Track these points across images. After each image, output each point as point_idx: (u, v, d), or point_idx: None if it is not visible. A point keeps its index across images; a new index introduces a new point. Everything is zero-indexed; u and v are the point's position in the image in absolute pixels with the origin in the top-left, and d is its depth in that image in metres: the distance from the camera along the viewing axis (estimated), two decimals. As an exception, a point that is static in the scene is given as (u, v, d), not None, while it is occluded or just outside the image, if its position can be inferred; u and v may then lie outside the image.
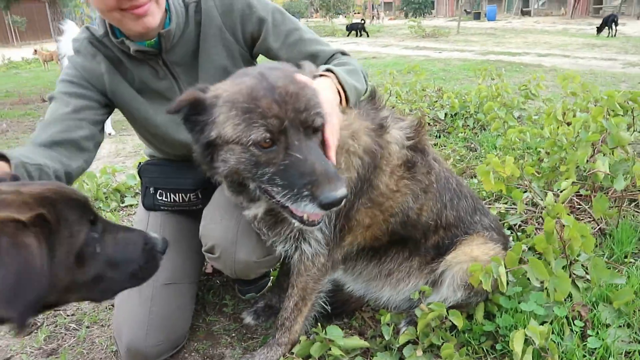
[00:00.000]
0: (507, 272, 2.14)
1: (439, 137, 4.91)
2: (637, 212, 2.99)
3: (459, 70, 10.08)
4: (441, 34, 20.04)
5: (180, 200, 2.25)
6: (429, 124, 5.19)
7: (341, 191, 1.34)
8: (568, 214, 3.02)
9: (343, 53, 2.07)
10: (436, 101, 5.62)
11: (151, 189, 2.29)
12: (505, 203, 3.26)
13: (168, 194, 2.24)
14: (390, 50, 16.08)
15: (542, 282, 2.00)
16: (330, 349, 1.92)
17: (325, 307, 2.09)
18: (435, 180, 1.98)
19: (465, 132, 4.84)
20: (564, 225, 2.02)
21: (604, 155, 2.58)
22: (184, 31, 1.95)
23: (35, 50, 17.45)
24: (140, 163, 2.43)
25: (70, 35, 6.41)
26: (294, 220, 1.53)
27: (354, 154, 1.76)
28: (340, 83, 1.76)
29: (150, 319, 2.02)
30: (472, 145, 4.61)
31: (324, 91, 1.62)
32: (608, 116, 2.75)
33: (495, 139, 4.49)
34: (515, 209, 3.07)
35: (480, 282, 1.87)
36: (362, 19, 24.14)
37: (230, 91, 1.46)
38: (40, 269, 1.02)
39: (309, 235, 1.83)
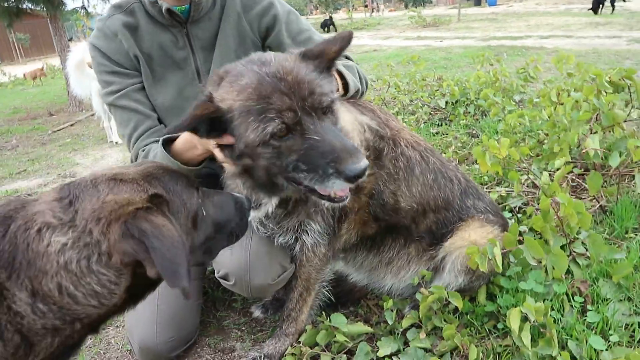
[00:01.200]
0: (506, 253, 2.20)
1: (441, 125, 4.93)
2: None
3: (461, 58, 10.05)
4: (442, 22, 19.94)
5: None
6: (430, 113, 5.22)
7: (363, 162, 1.40)
8: (570, 194, 3.06)
9: (347, 57, 2.20)
10: (437, 90, 5.63)
11: None
12: (507, 186, 3.28)
13: None
14: (391, 42, 16.04)
15: (539, 261, 2.04)
16: (335, 336, 1.98)
17: (330, 296, 2.15)
18: (405, 167, 2.02)
19: (466, 119, 4.86)
20: (561, 204, 2.05)
21: (595, 133, 2.59)
22: (210, 10, 2.13)
23: (24, 75, 18.33)
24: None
25: (76, 55, 6.62)
26: (322, 201, 1.60)
27: None
28: (340, 74, 1.94)
29: (159, 317, 2.11)
30: (474, 132, 4.63)
31: None
32: (600, 95, 2.75)
33: (497, 124, 4.50)
34: (524, 191, 3.11)
35: (479, 264, 1.91)
36: (330, 16, 25.47)
37: (240, 99, 1.46)
38: (180, 239, 1.12)
39: (308, 227, 1.89)
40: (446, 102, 5.24)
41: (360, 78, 2.12)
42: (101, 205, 1.13)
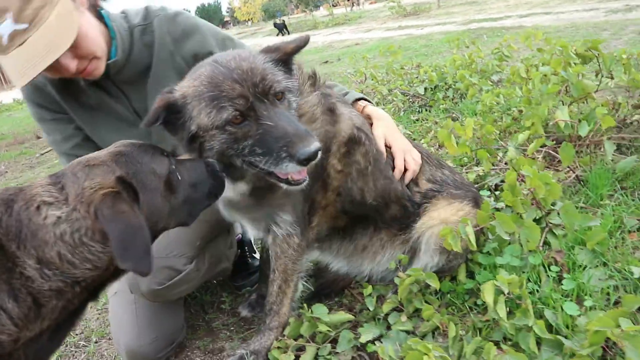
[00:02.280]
0: (482, 230, 2.23)
1: (420, 111, 4.96)
2: (614, 154, 3.04)
3: (441, 44, 10.06)
4: (422, 10, 19.98)
5: None
6: (409, 100, 5.24)
7: (314, 145, 1.47)
8: (547, 167, 3.09)
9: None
10: (416, 77, 5.66)
11: None
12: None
13: None
14: (372, 34, 16.07)
15: (512, 234, 2.07)
16: (318, 327, 2.01)
17: (310, 287, 2.18)
18: (374, 160, 2.06)
19: (445, 103, 4.89)
20: (527, 177, 2.08)
21: (565, 105, 2.62)
22: (130, 54, 2.01)
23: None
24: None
25: None
26: (281, 184, 1.66)
27: None
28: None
29: (138, 320, 2.16)
30: (454, 115, 4.66)
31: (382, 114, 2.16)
32: (568, 67, 2.78)
33: (475, 106, 4.53)
34: (495, 169, 3.14)
35: (452, 245, 1.94)
36: (282, 19, 25.96)
37: (194, 86, 1.57)
38: (138, 224, 1.29)
39: (277, 218, 1.93)
40: (425, 89, 5.27)
41: None
42: (82, 190, 1.33)
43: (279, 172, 1.57)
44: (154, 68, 2.05)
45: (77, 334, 2.69)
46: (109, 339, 2.60)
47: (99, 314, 2.84)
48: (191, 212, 1.62)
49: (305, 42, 1.73)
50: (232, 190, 1.87)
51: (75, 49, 1.70)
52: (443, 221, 2.05)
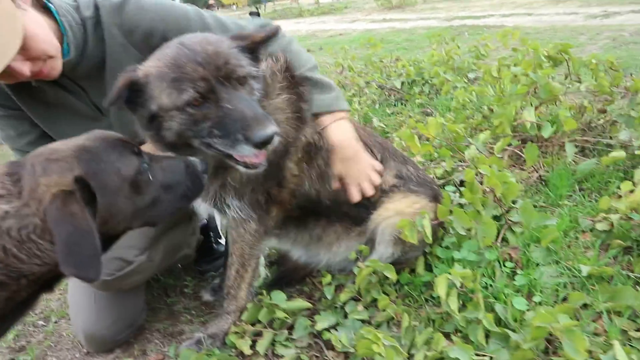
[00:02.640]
0: (442, 224, 2.28)
1: (396, 105, 5.00)
2: (577, 155, 3.12)
3: (423, 39, 10.09)
4: (408, 4, 19.94)
5: None
6: (386, 93, 5.28)
7: (270, 129, 1.49)
8: (513, 165, 3.16)
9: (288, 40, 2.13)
10: (394, 71, 5.69)
11: None
12: (456, 161, 3.36)
13: None
14: (357, 25, 16.02)
15: (470, 230, 2.12)
16: (276, 313, 2.03)
17: (267, 273, 2.21)
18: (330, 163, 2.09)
19: (421, 98, 4.93)
20: (485, 175, 2.13)
21: (532, 106, 2.68)
22: (84, 49, 1.89)
23: None
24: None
25: None
26: (238, 167, 1.68)
27: None
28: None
29: (97, 304, 2.15)
30: (428, 110, 4.71)
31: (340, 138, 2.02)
32: (538, 69, 2.84)
33: (449, 102, 4.58)
34: (462, 165, 3.19)
35: (409, 236, 1.98)
36: (256, 7, 26.05)
37: (157, 66, 1.58)
38: (87, 228, 1.22)
39: (227, 200, 1.94)
40: (402, 83, 5.30)
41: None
42: (36, 186, 1.26)
43: (236, 154, 1.59)
44: (109, 62, 1.95)
45: (36, 314, 2.67)
46: (69, 319, 2.58)
47: (60, 294, 2.82)
48: (160, 214, 1.55)
49: (275, 32, 1.74)
50: None
51: (25, 52, 1.59)
52: (398, 213, 2.09)
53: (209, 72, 1.52)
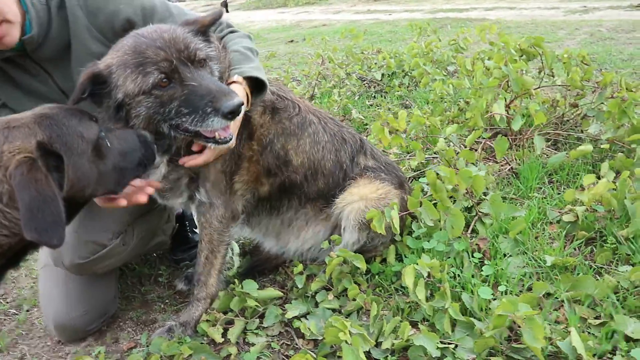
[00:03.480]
0: (412, 215, 2.31)
1: (375, 97, 5.01)
2: (549, 149, 3.19)
3: (406, 31, 10.10)
4: (393, -5, 19.96)
5: None
6: (366, 85, 5.29)
7: (237, 99, 1.57)
8: (486, 158, 3.21)
9: (227, 26, 2.17)
10: (375, 63, 5.70)
11: None
12: (429, 154, 3.41)
13: None
14: (341, 16, 15.96)
15: (438, 221, 2.16)
16: (247, 302, 2.05)
17: (239, 262, 2.23)
18: (299, 124, 2.15)
19: (401, 90, 4.96)
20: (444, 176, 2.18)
21: (502, 99, 2.72)
22: (49, 30, 1.88)
23: None
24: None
25: None
26: (209, 144, 1.73)
27: None
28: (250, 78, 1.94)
29: (68, 294, 2.14)
30: (407, 103, 4.74)
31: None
32: (510, 62, 2.88)
33: (428, 94, 4.62)
34: (437, 157, 3.23)
35: (376, 227, 2.02)
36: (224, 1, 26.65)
37: (118, 56, 1.62)
38: (50, 193, 1.24)
39: (200, 182, 1.97)
40: (382, 75, 5.31)
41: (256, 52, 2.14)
42: (0, 154, 1.27)
43: (206, 130, 1.64)
44: (74, 44, 1.94)
45: (8, 302, 2.65)
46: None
47: (33, 283, 2.80)
48: (120, 181, 1.61)
49: (219, 15, 1.85)
50: (161, 166, 1.90)
51: None
52: (362, 197, 2.14)
53: (170, 54, 1.58)
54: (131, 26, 1.92)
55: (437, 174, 2.21)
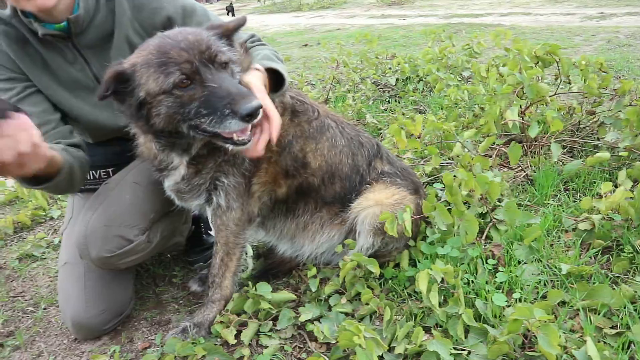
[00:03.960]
0: (427, 220, 2.31)
1: (390, 102, 5.02)
2: (564, 156, 3.17)
3: (420, 36, 10.09)
4: (407, 0, 19.95)
5: (91, 178, 2.35)
6: (381, 90, 5.30)
7: (256, 102, 1.58)
8: (501, 164, 3.20)
9: (253, 36, 2.23)
10: (389, 68, 5.70)
11: None
12: (445, 159, 3.40)
13: None
14: (355, 21, 15.99)
15: (452, 226, 2.16)
16: (261, 304, 2.07)
17: (253, 265, 2.25)
18: (317, 127, 2.16)
19: (415, 96, 4.96)
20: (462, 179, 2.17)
21: (516, 105, 2.71)
22: (94, 16, 2.02)
23: None
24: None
25: None
26: (227, 145, 1.74)
27: None
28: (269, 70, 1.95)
29: (87, 293, 2.17)
30: (422, 108, 4.74)
31: (255, 81, 1.83)
32: (525, 69, 2.87)
33: (442, 100, 4.62)
34: (452, 163, 3.23)
35: (389, 229, 2.02)
36: (231, 2, 26.81)
37: (142, 55, 1.67)
38: None
39: (220, 183, 1.98)
40: (397, 80, 5.32)
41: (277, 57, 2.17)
42: None
43: (224, 131, 1.65)
44: (117, 35, 2.06)
45: (26, 300, 2.69)
46: (58, 306, 2.61)
47: (51, 281, 2.85)
48: None
49: (243, 21, 1.87)
50: (181, 168, 1.93)
51: None
52: (377, 202, 2.15)
53: (192, 55, 1.61)
54: (170, 24, 2.04)
55: (455, 176, 2.20)
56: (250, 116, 1.57)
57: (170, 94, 1.62)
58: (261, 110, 1.62)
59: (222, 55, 1.68)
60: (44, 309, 2.60)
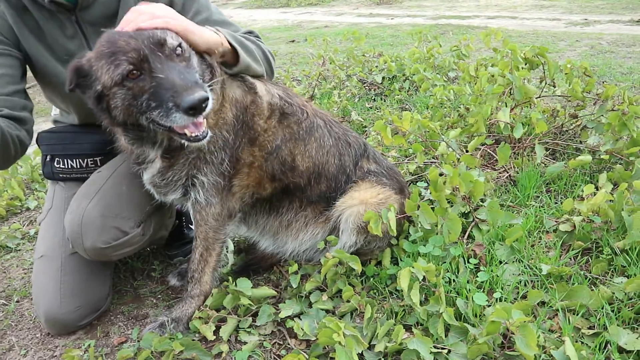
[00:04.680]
0: (409, 218, 2.30)
1: (375, 100, 5.01)
2: (547, 158, 3.19)
3: (407, 36, 10.13)
4: (395, 0, 20.01)
5: (78, 166, 2.30)
6: (367, 87, 5.29)
7: (198, 93, 1.48)
8: (485, 165, 3.21)
9: (250, 32, 2.18)
10: (376, 66, 5.70)
11: (48, 157, 2.32)
12: (428, 158, 3.40)
13: (65, 160, 2.28)
14: (343, 19, 15.98)
15: (435, 225, 2.15)
16: (240, 300, 2.04)
17: (231, 259, 2.22)
18: (307, 128, 2.12)
19: (401, 94, 4.96)
20: (447, 175, 2.16)
21: (507, 106, 2.72)
22: None
23: None
24: (38, 132, 2.41)
25: None
26: (183, 140, 1.68)
27: (225, 97, 1.91)
28: (228, 42, 1.89)
29: (63, 288, 2.12)
30: (407, 107, 4.74)
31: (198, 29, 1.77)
32: (515, 70, 2.88)
33: (428, 99, 4.62)
34: (435, 162, 3.23)
35: (373, 228, 2.00)
36: None
37: (96, 49, 1.62)
38: None
39: (197, 180, 1.94)
40: (383, 78, 5.32)
41: (267, 59, 2.14)
42: None
43: (174, 125, 1.58)
44: (121, 14, 2.01)
45: (-2, 292, 2.63)
46: (31, 298, 2.55)
47: (24, 274, 2.78)
48: None
49: None
50: (156, 162, 1.90)
51: None
52: (362, 202, 2.13)
53: (140, 42, 1.55)
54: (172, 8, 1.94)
55: (441, 174, 2.19)
56: (193, 109, 1.49)
57: (122, 86, 1.57)
58: (210, 102, 1.54)
59: (172, 40, 1.61)
60: (17, 301, 2.53)
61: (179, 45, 1.63)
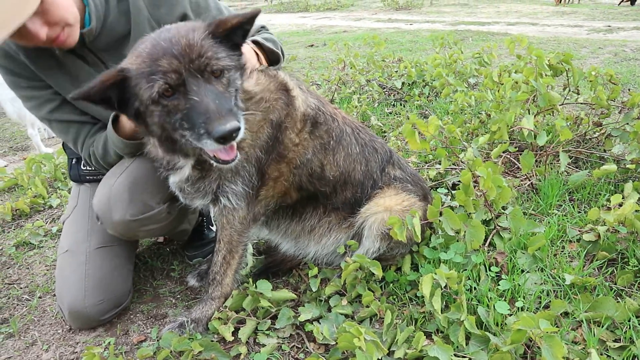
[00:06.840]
0: (430, 224, 2.29)
1: (395, 105, 5.00)
2: (569, 166, 3.14)
3: (427, 41, 10.10)
4: (414, 5, 19.93)
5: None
6: (386, 93, 5.28)
7: (230, 124, 1.48)
8: (506, 172, 3.18)
9: (263, 27, 2.24)
10: (396, 71, 5.69)
11: (74, 160, 2.36)
12: (450, 164, 3.38)
13: None
14: (362, 24, 15.99)
15: (458, 232, 2.13)
16: (260, 302, 2.04)
17: (254, 262, 2.22)
18: (336, 137, 2.12)
19: (420, 100, 4.94)
20: (480, 178, 2.14)
21: (530, 113, 2.69)
22: (106, 21, 1.98)
23: None
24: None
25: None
26: (212, 161, 1.70)
27: (265, 119, 1.92)
28: (260, 46, 1.96)
29: (87, 282, 2.15)
30: (426, 112, 4.72)
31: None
32: (539, 77, 2.85)
33: (448, 105, 4.60)
34: (456, 168, 3.21)
35: (397, 234, 1.99)
36: None
37: (136, 63, 1.58)
38: None
39: (227, 189, 1.95)
40: (403, 83, 5.31)
41: (280, 50, 2.18)
42: None
43: (205, 148, 1.59)
44: (133, 34, 2.02)
45: (21, 288, 2.66)
46: (54, 294, 2.58)
47: (47, 270, 2.82)
48: None
49: (252, 15, 1.69)
50: (181, 170, 1.92)
51: (44, 15, 1.66)
52: (387, 209, 2.12)
53: (182, 64, 1.53)
54: (185, 20, 1.99)
55: (474, 175, 2.17)
56: (224, 139, 1.50)
57: (157, 104, 1.57)
58: (241, 132, 1.54)
59: (215, 63, 1.59)
60: (40, 297, 2.57)
61: (221, 69, 1.62)
